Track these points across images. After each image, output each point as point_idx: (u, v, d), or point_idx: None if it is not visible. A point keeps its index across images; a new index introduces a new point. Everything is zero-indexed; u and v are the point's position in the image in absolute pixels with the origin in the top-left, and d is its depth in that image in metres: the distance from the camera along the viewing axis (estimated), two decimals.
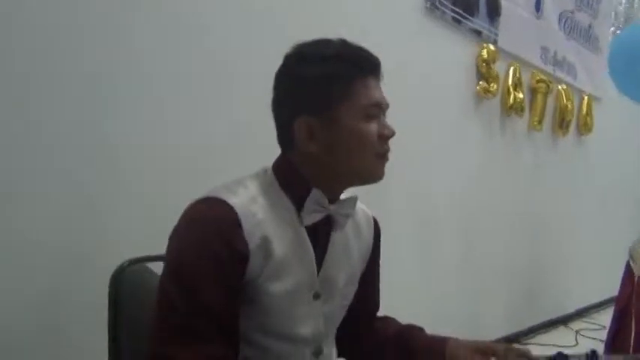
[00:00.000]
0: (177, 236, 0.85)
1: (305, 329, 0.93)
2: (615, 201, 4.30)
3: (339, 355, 1.07)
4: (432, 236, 2.67)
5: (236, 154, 1.64)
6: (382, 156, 0.91)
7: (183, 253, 0.83)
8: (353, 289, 1.04)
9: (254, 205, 0.86)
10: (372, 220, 1.08)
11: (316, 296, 0.94)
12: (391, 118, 0.94)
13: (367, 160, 0.90)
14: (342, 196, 0.95)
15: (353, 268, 1.02)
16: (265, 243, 0.86)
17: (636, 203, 4.52)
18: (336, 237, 0.97)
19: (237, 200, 0.85)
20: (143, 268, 1.03)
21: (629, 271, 2.96)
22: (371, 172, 0.91)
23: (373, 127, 0.89)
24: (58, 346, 1.34)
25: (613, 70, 2.82)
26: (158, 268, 0.91)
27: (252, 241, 0.84)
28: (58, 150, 1.34)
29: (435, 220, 2.67)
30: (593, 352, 1.03)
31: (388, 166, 0.93)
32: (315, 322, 0.95)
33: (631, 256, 2.98)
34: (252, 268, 0.85)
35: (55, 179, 1.34)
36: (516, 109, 3.05)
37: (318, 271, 0.94)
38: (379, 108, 0.91)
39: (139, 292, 0.99)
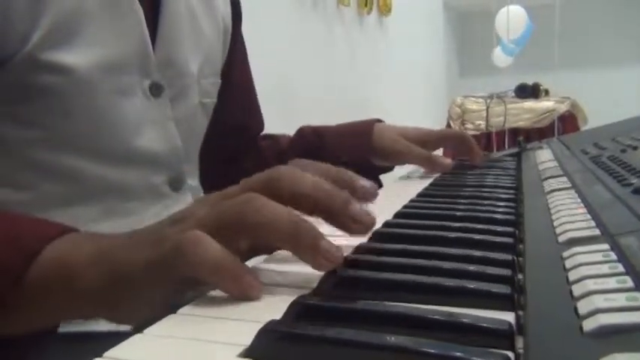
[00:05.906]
0: None
1: (147, 142, 0.56)
2: (413, 85, 4.43)
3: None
4: None
5: None
6: None
7: None
8: (215, 82, 0.68)
9: None
10: None
11: (156, 89, 0.57)
12: None
13: None
14: None
15: (208, 48, 0.66)
16: None
17: (428, 86, 4.75)
18: None
19: None
20: None
21: None
22: None
23: None
24: None
25: None
26: None
27: None
28: None
29: None
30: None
31: None
32: (163, 131, 0.59)
33: (451, 116, 3.10)
34: (10, 9, 0.46)
35: None
36: None
37: (154, 48, 0.57)
38: None
39: None
